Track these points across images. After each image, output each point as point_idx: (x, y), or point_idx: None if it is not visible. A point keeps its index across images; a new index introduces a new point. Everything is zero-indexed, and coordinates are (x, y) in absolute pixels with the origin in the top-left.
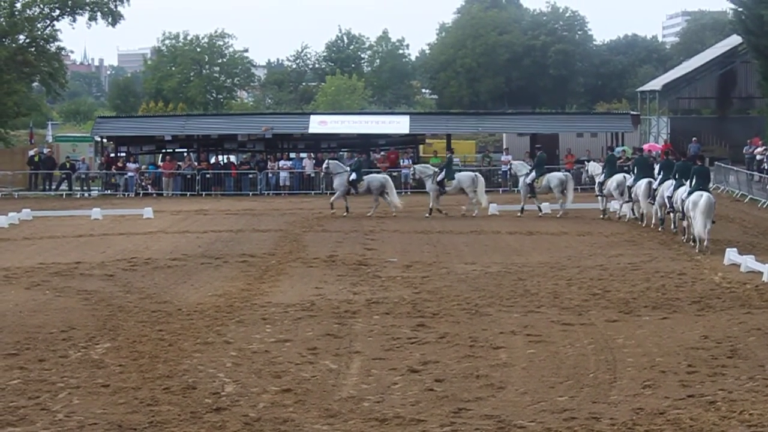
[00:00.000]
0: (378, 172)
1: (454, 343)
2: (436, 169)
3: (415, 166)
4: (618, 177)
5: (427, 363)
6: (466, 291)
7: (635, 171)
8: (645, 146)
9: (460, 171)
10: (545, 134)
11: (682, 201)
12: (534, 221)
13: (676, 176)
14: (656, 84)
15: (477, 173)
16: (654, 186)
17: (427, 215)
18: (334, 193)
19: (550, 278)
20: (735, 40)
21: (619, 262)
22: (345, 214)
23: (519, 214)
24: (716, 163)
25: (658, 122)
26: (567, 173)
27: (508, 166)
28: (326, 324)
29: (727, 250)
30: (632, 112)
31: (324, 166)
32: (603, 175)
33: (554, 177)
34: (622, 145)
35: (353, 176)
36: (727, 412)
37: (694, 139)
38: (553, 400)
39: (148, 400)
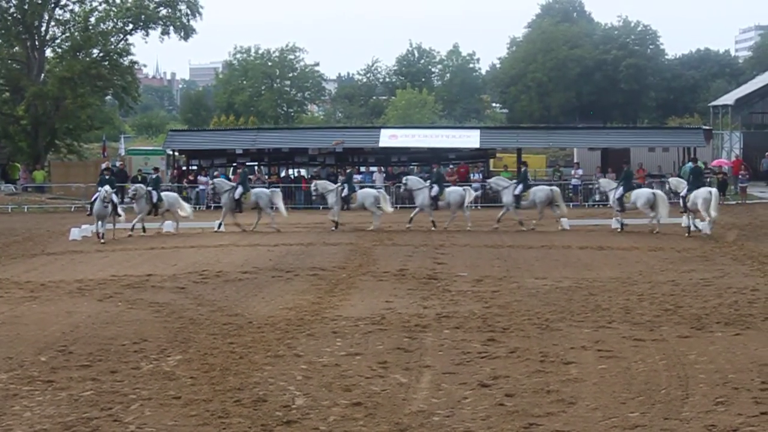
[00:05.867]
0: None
1: (525, 357)
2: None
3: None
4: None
5: (498, 378)
6: (537, 306)
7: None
8: (714, 162)
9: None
10: (616, 149)
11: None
12: (605, 236)
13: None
14: (729, 98)
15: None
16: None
17: (495, 225)
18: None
19: (621, 293)
20: None
21: (691, 278)
22: (408, 226)
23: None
24: None
25: (730, 137)
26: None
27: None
28: (396, 338)
29: None
30: (705, 127)
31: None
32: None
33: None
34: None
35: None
36: None
37: (767, 154)
38: (624, 416)
39: (219, 413)
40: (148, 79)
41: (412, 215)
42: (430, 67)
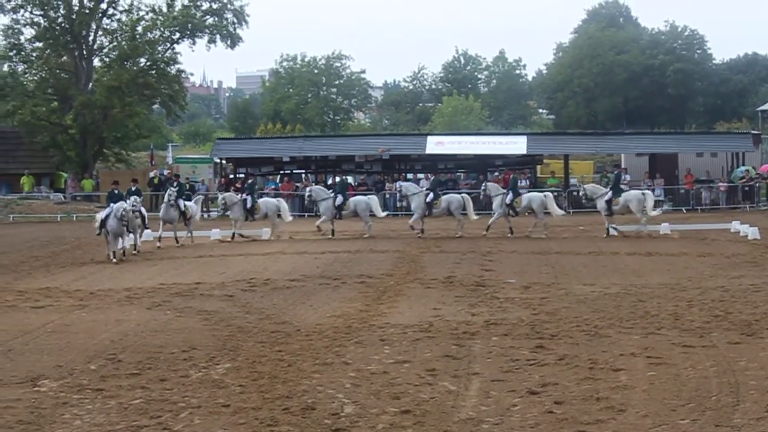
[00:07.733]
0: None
1: (574, 364)
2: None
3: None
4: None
5: (547, 385)
6: (585, 312)
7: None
8: (762, 167)
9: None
10: (664, 154)
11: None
12: (653, 242)
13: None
14: None
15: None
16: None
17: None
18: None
19: (670, 299)
20: None
21: (741, 284)
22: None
23: None
24: None
25: None
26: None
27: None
28: (444, 345)
29: None
30: (753, 132)
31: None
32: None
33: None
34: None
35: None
36: None
37: None
38: (674, 423)
39: (268, 421)
40: (195, 88)
41: (317, 223)
42: (476, 73)
